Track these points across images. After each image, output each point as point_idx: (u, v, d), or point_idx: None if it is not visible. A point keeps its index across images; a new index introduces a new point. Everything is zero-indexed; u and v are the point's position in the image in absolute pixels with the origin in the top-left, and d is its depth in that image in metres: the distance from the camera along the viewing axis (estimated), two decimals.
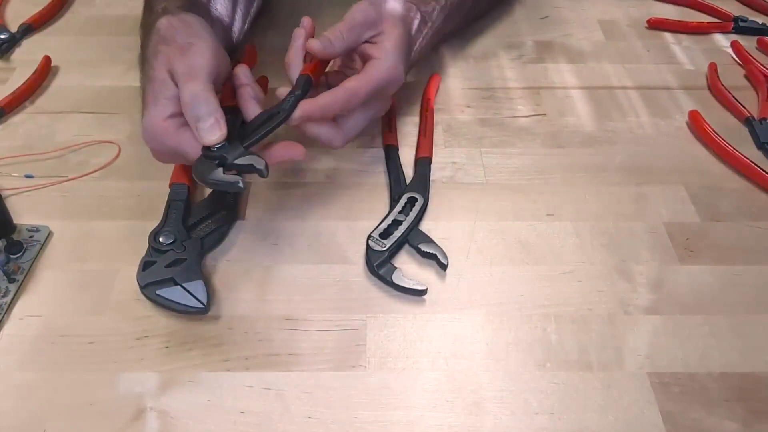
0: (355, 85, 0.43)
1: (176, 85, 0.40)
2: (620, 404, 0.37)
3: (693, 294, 0.42)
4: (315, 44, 0.44)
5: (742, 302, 0.42)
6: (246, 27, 0.57)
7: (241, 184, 0.38)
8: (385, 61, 0.44)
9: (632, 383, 0.38)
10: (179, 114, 0.40)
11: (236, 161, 0.39)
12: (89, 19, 0.66)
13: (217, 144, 0.39)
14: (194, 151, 0.39)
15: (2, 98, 0.54)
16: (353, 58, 0.48)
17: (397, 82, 0.45)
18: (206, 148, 0.39)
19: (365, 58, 0.45)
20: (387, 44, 0.45)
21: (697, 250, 0.45)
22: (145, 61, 0.43)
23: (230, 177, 0.38)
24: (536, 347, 0.39)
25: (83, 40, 0.63)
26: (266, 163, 0.39)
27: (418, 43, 0.51)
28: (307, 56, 0.45)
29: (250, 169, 0.39)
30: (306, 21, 0.46)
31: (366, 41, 0.46)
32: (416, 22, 0.51)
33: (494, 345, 0.39)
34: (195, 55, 0.40)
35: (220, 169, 0.38)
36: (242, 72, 0.44)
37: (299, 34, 0.46)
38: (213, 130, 0.38)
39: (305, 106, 0.41)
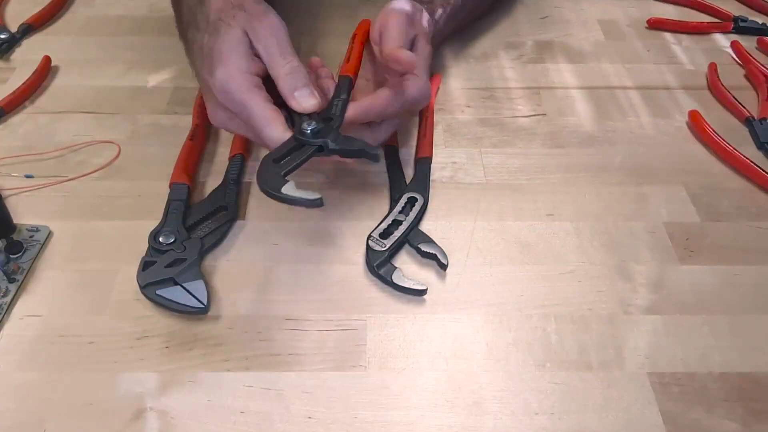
0: (390, 101, 0.44)
1: (252, 46, 0.41)
2: (620, 404, 0.37)
3: (693, 294, 0.42)
4: (405, 56, 0.44)
5: (742, 302, 0.42)
6: None
7: (320, 202, 0.35)
8: (416, 81, 0.45)
9: (632, 383, 0.38)
10: (254, 72, 0.41)
11: (342, 146, 0.39)
12: (89, 19, 0.66)
13: (312, 126, 0.39)
14: (261, 114, 0.39)
15: (2, 98, 0.54)
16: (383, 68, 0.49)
17: (427, 99, 0.47)
18: (300, 132, 0.39)
19: (394, 70, 0.46)
20: (419, 64, 0.46)
21: (697, 250, 0.45)
22: (207, 23, 0.43)
23: (307, 193, 0.35)
24: (536, 347, 0.39)
25: (83, 40, 0.63)
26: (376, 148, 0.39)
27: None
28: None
29: (361, 154, 0.38)
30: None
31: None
32: (432, 32, 0.52)
33: (494, 345, 0.39)
34: (276, 25, 0.42)
35: (292, 183, 0.36)
36: (317, 60, 0.47)
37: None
38: (310, 98, 0.40)
39: (350, 112, 0.42)
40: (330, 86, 0.45)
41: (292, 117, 0.42)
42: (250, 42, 0.41)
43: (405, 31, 0.47)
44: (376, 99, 0.44)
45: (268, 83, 0.42)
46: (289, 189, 0.36)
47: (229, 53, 0.41)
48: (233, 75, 0.40)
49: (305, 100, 0.40)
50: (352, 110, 0.42)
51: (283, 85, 0.40)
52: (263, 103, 0.40)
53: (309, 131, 0.39)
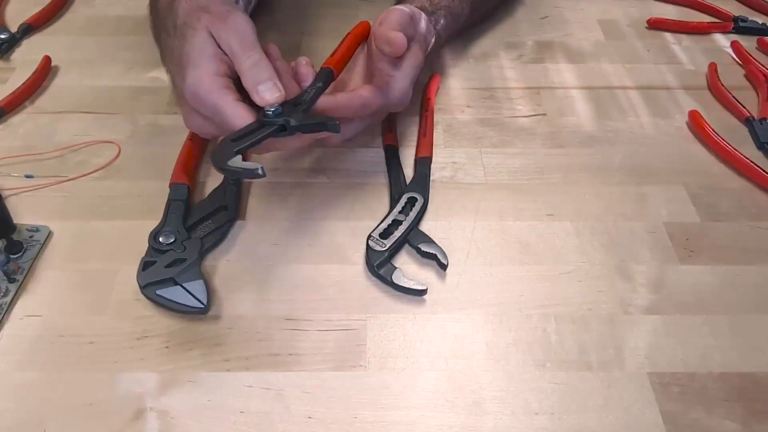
0: (370, 97, 0.44)
1: (219, 47, 0.41)
2: (620, 404, 0.37)
3: (693, 294, 0.42)
4: (399, 38, 0.44)
5: (742, 302, 0.42)
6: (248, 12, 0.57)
7: (261, 171, 0.36)
8: (400, 82, 0.46)
9: (632, 383, 0.38)
10: (223, 74, 0.40)
11: (304, 122, 0.39)
12: (89, 19, 0.66)
13: (274, 108, 0.39)
14: (233, 113, 0.39)
15: (2, 98, 0.54)
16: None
17: (404, 105, 0.48)
18: (263, 116, 0.39)
19: (380, 73, 0.46)
20: (407, 66, 0.47)
21: (697, 250, 0.45)
22: (175, 28, 0.43)
23: (249, 164, 0.36)
24: (536, 347, 0.39)
25: (83, 40, 0.63)
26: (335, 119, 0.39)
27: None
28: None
29: (322, 127, 0.39)
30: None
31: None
32: (432, 41, 0.52)
33: (494, 345, 0.39)
34: (240, 23, 0.41)
35: (239, 157, 0.36)
36: (274, 50, 0.45)
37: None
38: (273, 91, 0.40)
39: (322, 102, 0.42)
40: (308, 74, 0.45)
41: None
42: (217, 43, 0.41)
43: (405, 24, 0.47)
44: (354, 96, 0.44)
45: (239, 83, 0.41)
46: (234, 162, 0.36)
47: (197, 58, 0.40)
48: (202, 79, 0.40)
49: (268, 94, 0.39)
50: (327, 102, 0.42)
51: (246, 80, 0.40)
52: (233, 103, 0.39)
53: (271, 112, 0.39)
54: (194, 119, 0.43)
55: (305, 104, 0.41)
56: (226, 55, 0.41)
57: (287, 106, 0.40)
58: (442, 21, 0.55)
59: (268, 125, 0.39)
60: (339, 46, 0.48)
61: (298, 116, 0.39)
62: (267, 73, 0.40)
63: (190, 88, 0.40)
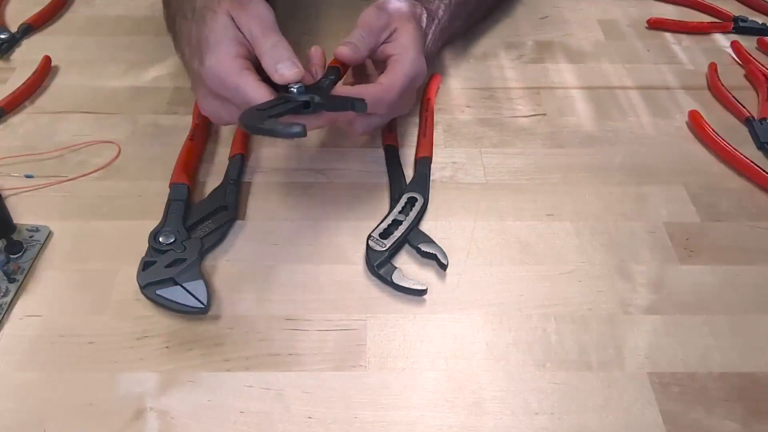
0: (389, 81, 0.44)
1: (239, 30, 0.41)
2: (620, 404, 0.37)
3: (693, 294, 0.42)
4: (344, 51, 0.44)
5: (742, 302, 0.42)
6: None
7: (299, 129, 0.33)
8: (406, 55, 0.45)
9: (632, 383, 0.38)
10: (243, 56, 0.41)
11: (329, 99, 0.39)
12: (89, 19, 0.66)
13: (298, 86, 0.39)
14: (254, 93, 0.39)
15: (2, 98, 0.54)
16: (366, 65, 0.49)
17: (422, 74, 0.46)
18: (287, 92, 0.39)
19: (385, 58, 0.46)
20: (404, 40, 0.46)
21: (697, 250, 0.45)
22: (193, 12, 0.43)
23: (287, 123, 0.34)
24: (536, 347, 0.39)
25: (83, 40, 0.63)
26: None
27: (428, 39, 0.52)
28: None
29: (348, 106, 0.39)
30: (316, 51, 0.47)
31: (383, 42, 0.46)
32: (424, 18, 0.52)
33: (494, 345, 0.39)
34: (261, 8, 0.42)
35: (275, 120, 0.35)
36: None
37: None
38: (291, 68, 0.40)
39: (341, 89, 0.42)
40: (318, 56, 0.45)
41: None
42: (237, 27, 0.42)
43: (370, 27, 0.46)
44: (374, 86, 0.43)
45: (260, 68, 0.41)
46: (270, 122, 0.35)
47: (217, 40, 0.41)
48: (223, 61, 0.40)
49: (287, 71, 0.40)
50: (343, 90, 0.42)
51: (266, 60, 0.40)
52: (255, 82, 0.40)
53: (295, 90, 0.39)
54: (210, 104, 0.43)
55: (324, 89, 0.41)
56: (246, 39, 0.42)
57: (309, 88, 0.40)
58: (442, 7, 0.54)
59: (292, 101, 0.39)
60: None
61: (321, 94, 0.40)
62: (286, 53, 0.40)
63: (210, 70, 0.40)
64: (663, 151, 0.53)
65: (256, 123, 0.35)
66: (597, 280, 0.43)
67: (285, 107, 0.38)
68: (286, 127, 0.34)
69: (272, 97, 0.39)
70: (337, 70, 0.44)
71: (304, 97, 0.39)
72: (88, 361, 0.38)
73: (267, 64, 0.40)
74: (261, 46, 0.41)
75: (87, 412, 0.36)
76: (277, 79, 0.40)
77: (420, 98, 0.56)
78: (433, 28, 0.53)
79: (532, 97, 0.58)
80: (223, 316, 0.40)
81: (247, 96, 0.39)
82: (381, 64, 0.47)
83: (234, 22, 0.42)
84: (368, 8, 0.47)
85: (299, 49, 0.62)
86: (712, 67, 0.61)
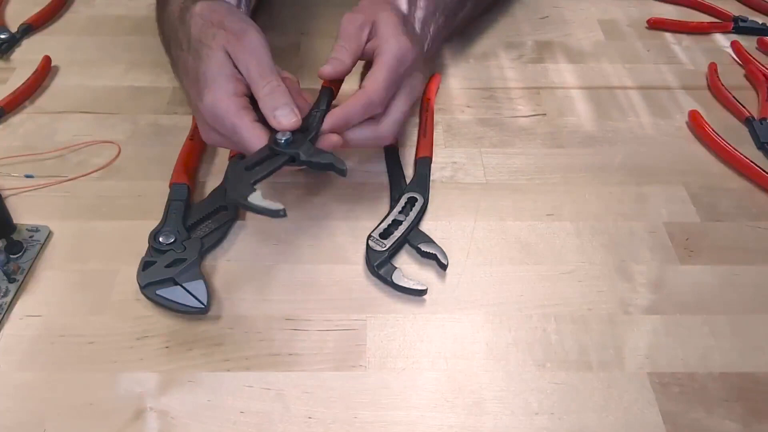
0: (372, 80, 0.43)
1: (236, 67, 0.41)
2: (620, 404, 0.37)
3: (693, 294, 0.42)
4: (325, 69, 0.44)
5: (742, 302, 0.42)
6: (249, 13, 0.57)
7: (282, 213, 0.36)
8: (385, 41, 0.44)
9: (632, 383, 0.38)
10: (240, 93, 0.41)
11: (312, 158, 0.40)
12: (89, 19, 0.66)
13: (286, 136, 0.40)
14: (249, 135, 0.40)
15: (2, 98, 0.54)
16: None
17: (407, 51, 0.44)
18: (274, 143, 0.40)
19: (372, 56, 0.45)
20: (380, 27, 0.45)
21: (697, 250, 0.45)
22: (189, 43, 0.43)
23: (271, 204, 0.36)
24: (536, 347, 0.39)
25: (83, 40, 0.63)
26: (344, 163, 0.39)
27: (415, 15, 0.50)
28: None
29: (329, 167, 0.40)
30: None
31: (367, 41, 0.46)
32: (403, 2, 0.50)
33: (494, 345, 0.39)
34: (255, 42, 0.42)
35: (259, 193, 0.37)
36: (285, 73, 0.45)
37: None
38: (289, 116, 0.40)
39: (330, 120, 0.42)
40: (302, 104, 0.44)
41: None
42: (234, 63, 0.42)
43: (347, 32, 0.45)
44: (357, 95, 0.42)
45: (256, 103, 0.42)
46: (255, 198, 0.36)
47: (214, 78, 0.41)
48: (221, 99, 0.40)
49: (285, 119, 0.40)
50: (332, 118, 0.42)
51: (263, 106, 0.41)
52: (251, 124, 0.40)
53: (282, 141, 0.40)
54: (211, 135, 0.44)
55: (312, 130, 0.41)
56: (242, 75, 0.42)
57: (297, 133, 0.41)
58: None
59: (280, 155, 0.40)
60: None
61: (306, 147, 0.40)
62: (284, 99, 0.41)
63: (209, 109, 0.41)
64: (663, 151, 0.53)
65: (239, 198, 0.36)
66: (597, 280, 0.43)
67: (272, 165, 0.39)
68: (269, 206, 0.36)
69: (266, 140, 0.40)
70: (329, 90, 0.44)
71: (291, 152, 0.40)
72: (88, 361, 0.38)
73: (265, 109, 0.41)
74: (258, 90, 0.41)
75: (87, 412, 0.36)
76: (275, 125, 0.40)
77: (420, 98, 0.56)
78: (420, 4, 0.51)
79: (532, 97, 0.58)
80: (223, 316, 0.40)
81: (242, 139, 0.40)
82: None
83: (230, 57, 0.42)
84: (345, 14, 0.46)
85: (299, 49, 0.62)
86: (712, 67, 0.61)
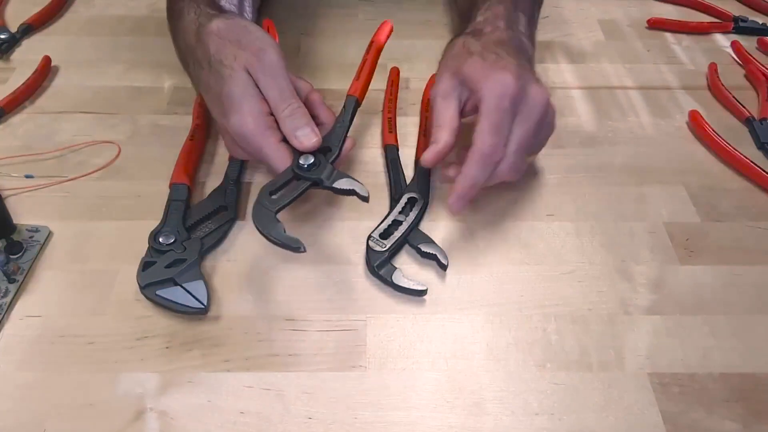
0: (476, 133, 0.41)
1: (256, 85, 0.43)
2: (620, 404, 0.37)
3: (693, 294, 0.42)
4: (428, 156, 0.43)
5: (742, 302, 0.42)
6: (254, 18, 0.57)
7: (303, 249, 0.38)
8: (477, 90, 0.42)
9: (632, 383, 0.38)
10: (266, 112, 0.43)
11: (335, 185, 0.41)
12: (89, 19, 0.66)
13: (309, 161, 0.42)
14: (275, 156, 0.42)
15: (2, 98, 0.54)
16: None
17: (502, 83, 0.41)
18: (297, 166, 0.41)
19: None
20: (468, 79, 0.43)
21: (697, 250, 0.45)
22: (208, 62, 0.44)
23: (292, 239, 0.38)
24: (536, 347, 0.39)
25: (83, 40, 0.63)
26: (366, 189, 0.41)
27: (501, 42, 0.45)
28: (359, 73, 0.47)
29: (351, 193, 0.41)
30: None
31: (469, 96, 0.44)
32: (485, 30, 0.47)
33: (494, 345, 0.39)
34: (273, 63, 0.43)
35: (281, 226, 0.38)
36: (305, 85, 0.47)
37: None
38: (310, 137, 0.42)
39: (455, 195, 0.41)
40: (327, 116, 0.46)
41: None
42: (256, 83, 0.43)
43: (439, 99, 0.44)
44: (471, 156, 0.40)
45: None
46: (277, 233, 0.38)
47: (239, 100, 0.42)
48: (247, 121, 0.42)
49: (306, 140, 0.42)
50: (460, 190, 0.41)
51: (284, 127, 0.42)
52: (276, 145, 0.42)
53: (306, 166, 0.42)
54: (237, 150, 0.45)
55: (334, 150, 0.43)
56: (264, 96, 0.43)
57: (319, 154, 0.42)
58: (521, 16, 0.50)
59: (303, 180, 0.41)
60: (361, 66, 0.48)
61: (328, 172, 0.42)
62: (304, 120, 0.43)
63: (235, 129, 0.42)
64: (663, 151, 0.53)
65: (264, 229, 0.39)
66: (597, 280, 0.43)
67: (295, 191, 0.41)
68: (291, 242, 0.38)
69: (290, 160, 0.42)
70: (354, 100, 0.46)
71: (314, 177, 0.41)
72: (88, 361, 0.38)
73: (286, 130, 0.42)
74: (280, 112, 0.42)
75: (87, 413, 0.36)
76: (297, 146, 0.42)
77: (420, 98, 0.56)
78: (496, 24, 0.47)
79: None
80: (223, 316, 0.40)
81: (268, 159, 0.42)
82: None
83: (252, 78, 0.43)
84: (431, 89, 0.45)
85: (299, 49, 0.62)
86: (712, 67, 0.61)
